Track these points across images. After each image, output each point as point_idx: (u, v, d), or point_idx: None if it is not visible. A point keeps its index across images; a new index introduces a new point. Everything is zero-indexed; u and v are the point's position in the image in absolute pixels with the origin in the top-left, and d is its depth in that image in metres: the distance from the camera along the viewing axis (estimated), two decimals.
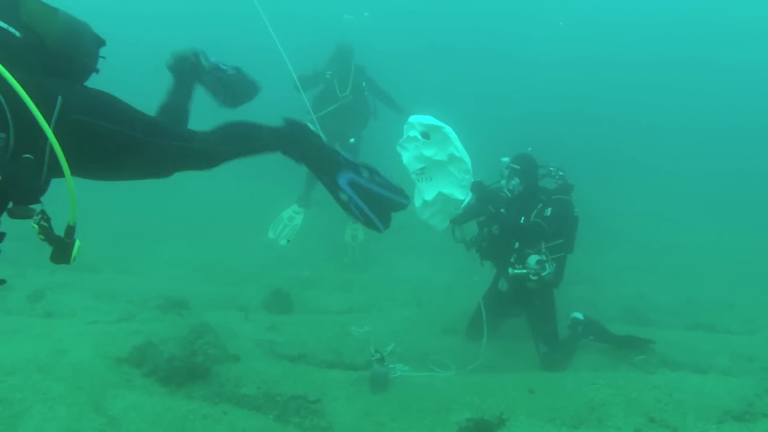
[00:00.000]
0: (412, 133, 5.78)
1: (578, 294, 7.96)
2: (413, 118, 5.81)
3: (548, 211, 6.44)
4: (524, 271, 6.39)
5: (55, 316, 7.06)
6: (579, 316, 7.20)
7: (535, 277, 6.37)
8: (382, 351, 5.77)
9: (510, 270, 6.47)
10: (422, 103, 6.31)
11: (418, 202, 6.13)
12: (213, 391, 5.49)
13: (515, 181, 6.63)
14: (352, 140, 10.42)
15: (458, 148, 5.64)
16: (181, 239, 10.81)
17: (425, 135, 5.75)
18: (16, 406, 4.78)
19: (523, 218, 6.58)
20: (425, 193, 5.94)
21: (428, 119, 5.74)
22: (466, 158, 5.67)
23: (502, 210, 6.50)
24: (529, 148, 6.86)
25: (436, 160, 5.74)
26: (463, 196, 5.82)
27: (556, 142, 8.24)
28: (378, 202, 3.68)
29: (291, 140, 3.56)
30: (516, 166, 6.62)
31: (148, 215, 11.73)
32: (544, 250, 6.42)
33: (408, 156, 5.87)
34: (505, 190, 6.69)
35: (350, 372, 6.16)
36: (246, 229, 11.25)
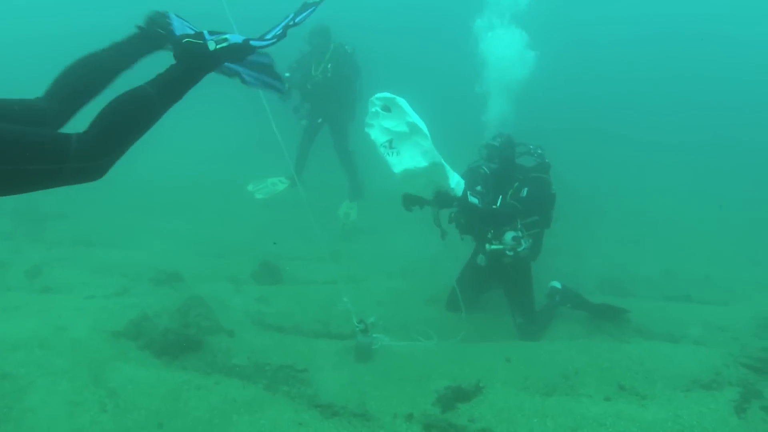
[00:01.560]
0: (373, 108, 5.97)
1: (558, 266, 8.23)
2: (375, 95, 6.00)
3: (524, 192, 6.70)
4: (501, 246, 6.68)
5: (53, 292, 7.33)
6: (557, 284, 7.53)
7: (511, 253, 6.65)
8: (365, 321, 6.09)
9: (487, 246, 6.76)
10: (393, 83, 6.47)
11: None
12: (206, 361, 5.81)
13: (494, 161, 6.88)
14: (319, 120, 10.65)
15: (412, 115, 5.80)
16: (173, 213, 11.06)
17: (385, 108, 5.94)
18: (20, 381, 5.07)
19: (500, 198, 6.84)
20: (394, 167, 6.08)
21: (385, 94, 5.91)
22: (422, 125, 5.82)
23: (478, 188, 6.77)
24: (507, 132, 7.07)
25: (398, 132, 5.89)
26: (425, 163, 5.93)
27: (537, 119, 8.42)
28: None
29: (184, 77, 3.09)
30: (495, 143, 6.87)
31: (139, 189, 11.95)
32: (519, 226, 6.70)
33: (374, 132, 6.06)
34: (484, 167, 6.95)
35: (336, 341, 6.47)
36: (236, 202, 11.54)
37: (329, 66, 10.31)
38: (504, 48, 6.97)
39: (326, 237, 10.05)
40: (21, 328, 5.88)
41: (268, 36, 3.36)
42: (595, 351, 6.27)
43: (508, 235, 6.64)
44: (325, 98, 10.42)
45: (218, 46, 3.17)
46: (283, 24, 3.42)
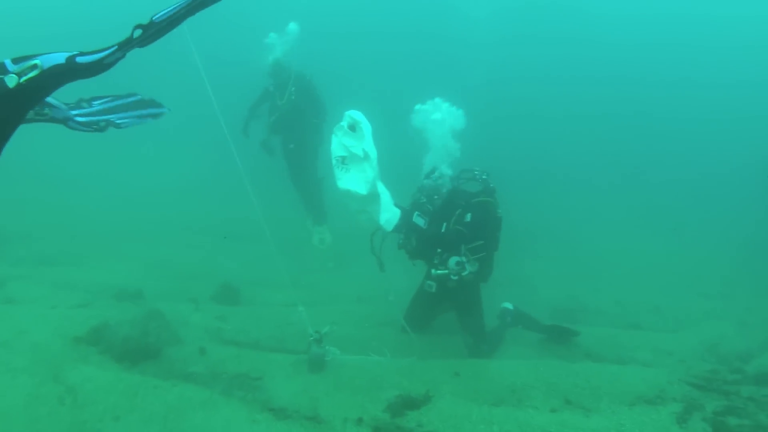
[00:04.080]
0: (342, 123, 6.42)
1: (513, 294, 8.45)
2: (349, 111, 6.42)
3: (468, 217, 7.04)
4: (445, 271, 6.99)
5: (16, 303, 7.46)
6: (509, 306, 7.81)
7: (455, 277, 6.96)
8: (320, 331, 6.32)
9: (432, 271, 7.07)
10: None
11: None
12: (163, 368, 5.99)
13: (435, 195, 7.19)
14: (291, 146, 10.94)
15: (369, 144, 6.24)
16: (137, 238, 11.19)
17: (351, 127, 6.36)
18: None
19: (445, 225, 7.14)
20: (339, 182, 6.53)
21: (356, 113, 6.36)
22: (373, 154, 6.26)
23: (429, 207, 7.10)
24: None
25: (353, 152, 6.34)
26: (364, 191, 6.39)
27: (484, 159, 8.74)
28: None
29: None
30: (430, 182, 7.20)
31: (105, 215, 12.12)
32: (464, 251, 7.00)
33: (335, 141, 6.48)
34: (427, 204, 7.22)
35: (291, 355, 6.67)
36: (198, 231, 11.75)
37: (293, 90, 10.77)
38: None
39: (286, 264, 10.29)
40: None
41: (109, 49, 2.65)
42: (544, 368, 6.54)
43: (452, 261, 6.94)
44: (294, 124, 10.78)
45: (23, 79, 2.47)
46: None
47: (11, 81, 2.42)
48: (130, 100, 3.26)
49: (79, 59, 2.52)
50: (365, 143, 6.23)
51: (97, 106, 3.23)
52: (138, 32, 2.58)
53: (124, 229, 11.61)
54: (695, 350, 7.83)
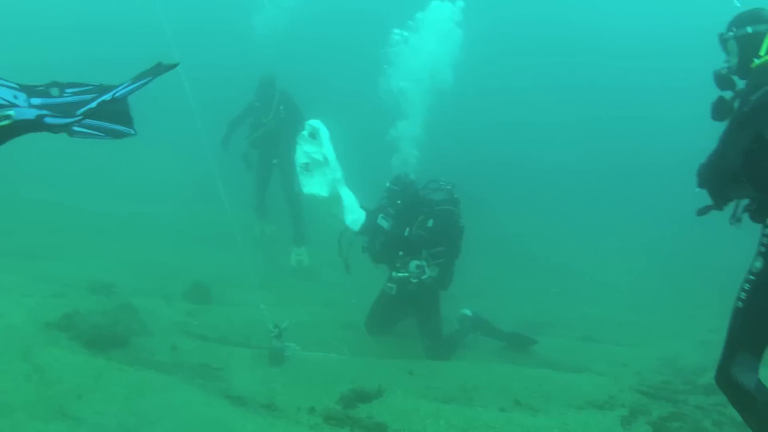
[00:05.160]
0: (304, 132, 6.83)
1: (480, 306, 8.64)
2: (309, 120, 6.85)
3: (430, 223, 7.39)
4: (406, 274, 7.32)
5: None
6: (467, 312, 8.12)
7: (415, 280, 7.29)
8: (280, 326, 6.64)
9: (393, 273, 7.40)
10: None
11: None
12: (130, 356, 6.27)
13: (398, 200, 7.52)
14: (274, 161, 11.28)
15: (327, 147, 6.66)
16: (116, 237, 11.43)
17: (312, 135, 6.78)
18: None
19: (408, 230, 7.48)
20: (304, 187, 6.97)
21: (315, 122, 6.79)
22: (331, 156, 6.68)
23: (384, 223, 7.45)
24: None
25: (315, 158, 6.76)
26: (326, 194, 6.82)
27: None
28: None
29: None
30: (395, 187, 7.56)
31: (87, 214, 12.38)
32: (425, 255, 7.34)
33: (298, 150, 6.91)
34: (389, 209, 7.58)
35: (254, 350, 6.97)
36: (178, 232, 12.04)
37: (281, 108, 11.14)
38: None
39: (260, 267, 10.56)
40: None
41: (78, 112, 2.94)
42: (497, 371, 6.87)
43: (412, 264, 7.26)
44: (279, 140, 11.08)
45: None
46: (99, 99, 3.04)
47: None
48: (109, 96, 3.13)
49: (47, 120, 2.81)
50: (324, 148, 6.63)
51: (68, 96, 3.17)
52: (102, 104, 2.98)
53: (104, 227, 11.84)
54: (651, 364, 8.00)
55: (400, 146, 7.58)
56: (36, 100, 3.07)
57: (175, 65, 3.14)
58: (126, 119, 3.22)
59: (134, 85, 3.07)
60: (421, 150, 7.61)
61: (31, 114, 2.79)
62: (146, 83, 3.09)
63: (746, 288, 3.81)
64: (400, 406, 5.82)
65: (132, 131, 3.24)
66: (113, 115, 3.18)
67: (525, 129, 23.15)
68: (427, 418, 5.62)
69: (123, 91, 3.06)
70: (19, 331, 6.15)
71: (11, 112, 2.71)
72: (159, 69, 3.11)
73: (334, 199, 6.90)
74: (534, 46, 26.20)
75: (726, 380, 3.86)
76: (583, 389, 6.51)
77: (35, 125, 2.78)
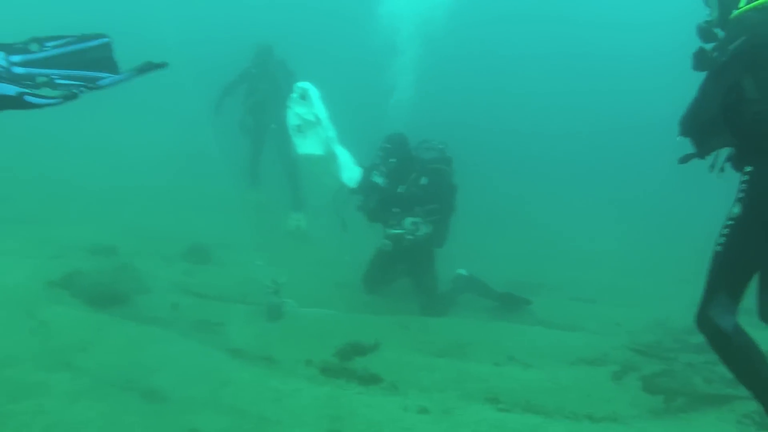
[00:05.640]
0: (293, 95, 6.95)
1: (473, 267, 8.69)
2: (298, 83, 6.97)
3: (424, 180, 7.53)
4: (401, 231, 7.47)
5: None
6: (463, 272, 8.27)
7: (410, 237, 7.44)
8: (277, 282, 6.80)
9: (388, 230, 7.55)
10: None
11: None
12: (130, 312, 6.43)
13: (391, 158, 7.64)
14: (273, 126, 11.36)
15: (318, 107, 6.78)
16: (115, 202, 11.53)
17: (302, 96, 6.90)
18: None
19: (402, 187, 7.63)
20: (299, 149, 7.11)
21: (305, 83, 6.91)
22: (324, 117, 6.81)
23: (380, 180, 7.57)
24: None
25: (307, 119, 6.88)
26: (321, 152, 6.95)
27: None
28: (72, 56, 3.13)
29: None
30: (388, 145, 7.68)
31: (86, 180, 12.50)
32: (419, 212, 7.49)
33: (290, 113, 7.02)
34: (382, 168, 7.69)
35: (251, 306, 7.15)
36: (178, 198, 12.20)
37: (279, 75, 11.19)
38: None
39: (255, 228, 10.69)
40: None
41: (56, 93, 2.92)
42: (491, 328, 7.07)
43: (407, 221, 7.43)
44: (276, 106, 11.11)
45: None
46: (82, 84, 3.01)
47: None
48: (91, 44, 3.14)
49: (26, 98, 2.80)
50: (315, 108, 6.75)
51: (49, 50, 3.15)
52: (83, 90, 2.99)
53: (103, 193, 11.93)
54: (644, 324, 8.05)
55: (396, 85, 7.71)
56: (16, 57, 3.07)
57: (163, 65, 3.17)
58: (110, 65, 3.19)
59: (119, 78, 3.11)
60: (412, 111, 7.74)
61: (12, 90, 2.79)
62: (131, 78, 3.13)
63: (725, 233, 3.96)
64: (395, 358, 5.98)
65: (119, 76, 3.18)
66: (96, 62, 3.16)
67: (510, 95, 23.07)
68: (422, 370, 5.79)
69: (107, 82, 3.09)
70: (23, 289, 6.32)
71: None
72: (147, 67, 3.14)
73: (330, 158, 7.03)
74: (526, 13, 26.17)
75: (705, 322, 4.02)
76: (576, 346, 6.67)
77: (13, 102, 2.79)
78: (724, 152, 4.10)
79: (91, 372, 5.02)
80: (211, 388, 4.99)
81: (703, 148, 4.07)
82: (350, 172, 7.36)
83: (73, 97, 2.98)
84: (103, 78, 3.12)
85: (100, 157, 14.22)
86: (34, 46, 3.13)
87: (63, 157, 13.92)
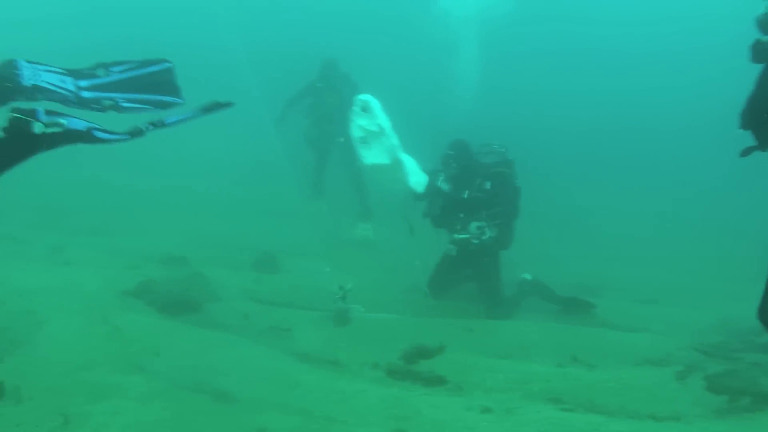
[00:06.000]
0: (355, 108, 7.12)
1: (535, 270, 8.60)
2: (358, 96, 7.13)
3: (487, 185, 7.57)
4: (466, 236, 7.52)
5: (72, 264, 8.16)
6: (527, 276, 8.24)
7: (476, 241, 7.48)
8: (344, 288, 6.90)
9: (454, 235, 7.60)
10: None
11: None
12: (201, 319, 6.64)
13: (454, 164, 7.69)
14: (341, 139, 11.48)
15: (381, 117, 6.92)
16: (183, 213, 11.80)
17: (363, 109, 7.05)
18: (40, 316, 6.00)
19: (466, 192, 7.67)
20: (365, 159, 7.26)
21: (365, 96, 7.08)
22: (387, 126, 6.95)
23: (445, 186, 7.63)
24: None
25: (370, 130, 7.03)
26: (388, 161, 7.07)
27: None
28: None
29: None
30: (451, 152, 7.72)
31: (155, 192, 12.89)
32: (484, 216, 7.52)
33: (353, 126, 7.20)
34: (446, 173, 7.74)
35: (319, 312, 7.24)
36: (241, 208, 12.46)
37: (346, 89, 11.25)
38: None
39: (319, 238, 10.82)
40: (43, 280, 6.87)
41: (127, 131, 3.13)
42: (555, 329, 7.03)
43: (473, 225, 7.47)
44: (344, 119, 11.25)
45: (47, 131, 2.91)
46: (149, 122, 3.20)
47: (38, 128, 2.89)
48: (154, 69, 3.34)
49: (95, 133, 3.04)
50: (378, 119, 6.89)
51: (114, 75, 3.34)
52: (150, 128, 3.21)
53: (169, 205, 12.28)
54: (710, 325, 7.94)
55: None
56: (83, 82, 3.26)
57: (229, 104, 3.37)
58: (172, 89, 3.38)
59: (185, 117, 3.31)
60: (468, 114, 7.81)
61: (82, 125, 3.00)
62: (196, 117, 3.33)
63: None
64: (460, 361, 6.02)
65: (180, 100, 3.39)
66: (159, 86, 3.34)
67: (569, 94, 22.74)
68: (486, 372, 5.82)
69: (173, 120, 3.30)
70: (99, 298, 6.60)
71: (64, 121, 2.96)
72: (213, 106, 3.36)
73: (396, 165, 7.19)
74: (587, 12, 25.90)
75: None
76: (640, 347, 6.61)
77: (82, 137, 3.02)
78: None
79: (164, 375, 5.21)
80: (279, 390, 5.13)
81: (764, 141, 4.01)
82: (417, 177, 7.49)
83: (139, 133, 3.22)
84: (167, 103, 3.35)
85: (167, 165, 14.59)
86: (100, 71, 3.34)
87: (131, 166, 14.33)
